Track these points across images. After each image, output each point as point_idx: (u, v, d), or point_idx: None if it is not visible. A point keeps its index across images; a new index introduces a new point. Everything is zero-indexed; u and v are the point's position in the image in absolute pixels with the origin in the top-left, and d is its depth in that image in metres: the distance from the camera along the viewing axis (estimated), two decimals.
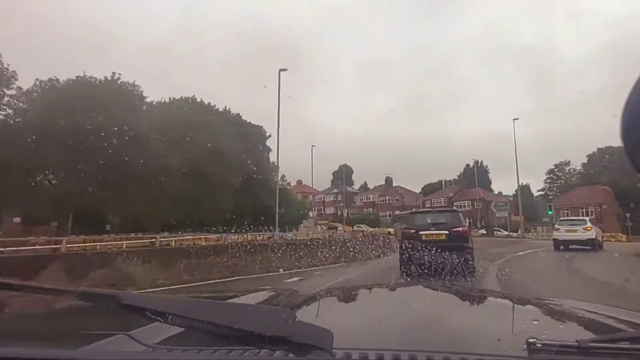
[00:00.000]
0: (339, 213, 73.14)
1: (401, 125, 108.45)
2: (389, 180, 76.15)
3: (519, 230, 44.56)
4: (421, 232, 9.33)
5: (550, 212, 40.21)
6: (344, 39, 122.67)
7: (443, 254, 8.41)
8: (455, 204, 62.53)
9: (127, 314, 0.87)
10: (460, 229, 9.48)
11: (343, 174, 79.87)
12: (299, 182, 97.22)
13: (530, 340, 0.69)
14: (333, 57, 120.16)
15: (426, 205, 67.31)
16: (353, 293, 1.72)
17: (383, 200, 72.76)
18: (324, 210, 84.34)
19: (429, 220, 9.83)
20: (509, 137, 50.43)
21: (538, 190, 70.68)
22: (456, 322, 1.16)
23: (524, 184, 77.37)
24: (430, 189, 76.11)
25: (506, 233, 45.13)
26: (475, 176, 59.38)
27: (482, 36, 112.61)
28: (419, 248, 8.76)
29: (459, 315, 1.32)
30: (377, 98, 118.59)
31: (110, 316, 1.08)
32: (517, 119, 45.79)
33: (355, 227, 59.31)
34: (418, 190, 76.84)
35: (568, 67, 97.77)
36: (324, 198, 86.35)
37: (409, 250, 9.04)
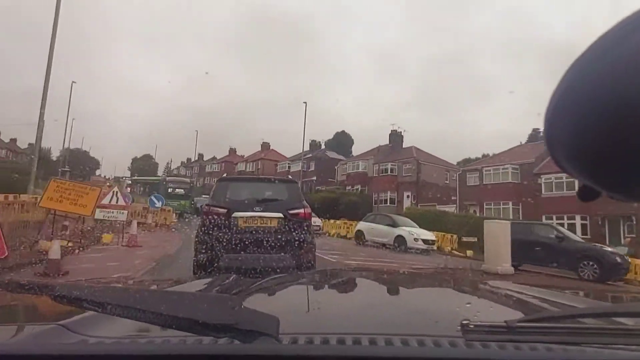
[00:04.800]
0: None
1: (417, 118, 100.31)
2: (395, 137, 41.85)
3: None
4: (238, 214, 5.31)
5: None
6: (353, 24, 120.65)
7: (272, 252, 5.02)
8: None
9: (59, 305, 0.84)
10: (302, 211, 5.61)
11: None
12: (265, 145, 65.28)
13: (464, 321, 0.74)
14: (344, 42, 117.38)
15: (467, 183, 33.11)
16: (299, 280, 1.72)
17: (385, 171, 38.57)
18: None
19: (251, 195, 5.69)
20: None
21: None
22: (398, 306, 1.24)
23: None
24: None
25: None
26: None
27: (503, 25, 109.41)
28: (232, 241, 4.99)
29: (400, 299, 1.41)
30: (389, 87, 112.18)
31: (41, 307, 1.04)
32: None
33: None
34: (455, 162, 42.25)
35: None
36: (288, 167, 52.78)
37: (214, 244, 5.01)
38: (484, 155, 44.84)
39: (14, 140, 53.73)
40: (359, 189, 40.10)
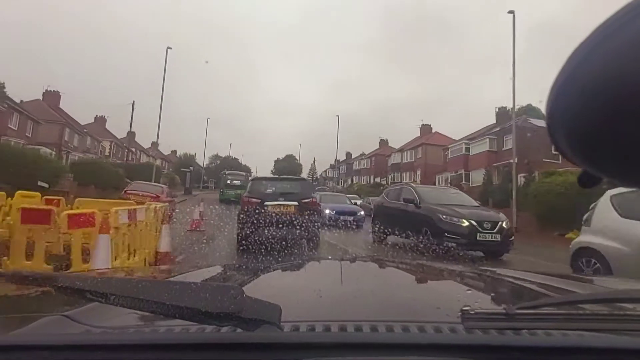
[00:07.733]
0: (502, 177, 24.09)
1: None
2: None
3: None
4: (267, 203, 8.57)
5: None
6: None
7: (290, 228, 7.87)
8: None
9: (63, 296, 0.87)
10: (310, 199, 9.03)
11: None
12: (426, 127, 50.74)
13: (464, 308, 0.75)
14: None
15: None
16: (301, 267, 1.76)
17: None
18: (467, 170, 35.23)
19: (275, 189, 9.08)
20: None
21: None
22: (398, 293, 1.24)
23: None
24: None
25: None
26: None
27: None
28: (263, 221, 7.88)
29: (401, 286, 1.41)
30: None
31: (45, 298, 1.08)
32: None
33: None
34: None
35: None
36: (466, 149, 36.92)
37: (250, 223, 7.86)
38: None
39: (155, 144, 52.81)
40: None
